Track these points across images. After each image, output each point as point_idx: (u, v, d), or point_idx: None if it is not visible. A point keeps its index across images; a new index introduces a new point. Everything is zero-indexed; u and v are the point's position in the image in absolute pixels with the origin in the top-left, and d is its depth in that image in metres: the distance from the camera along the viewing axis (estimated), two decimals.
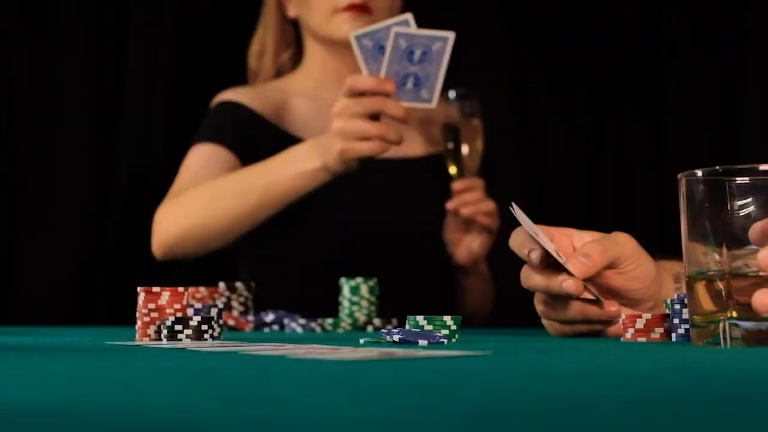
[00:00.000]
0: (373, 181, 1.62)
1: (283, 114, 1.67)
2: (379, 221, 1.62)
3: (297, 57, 1.74)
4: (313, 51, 1.70)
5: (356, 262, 1.53)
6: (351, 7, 1.60)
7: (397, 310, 1.33)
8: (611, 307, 0.96)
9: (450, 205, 1.59)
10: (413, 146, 1.70)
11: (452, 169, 1.62)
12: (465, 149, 1.61)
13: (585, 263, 0.93)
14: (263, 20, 1.74)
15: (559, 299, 0.96)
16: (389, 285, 1.46)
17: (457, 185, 1.60)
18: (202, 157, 1.60)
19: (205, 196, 1.50)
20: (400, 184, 1.66)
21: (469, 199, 1.59)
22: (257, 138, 1.62)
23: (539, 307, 0.99)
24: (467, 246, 1.60)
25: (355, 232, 1.60)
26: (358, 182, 1.55)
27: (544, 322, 1.02)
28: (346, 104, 1.37)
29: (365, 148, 1.37)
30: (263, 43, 1.75)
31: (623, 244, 0.97)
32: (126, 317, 1.15)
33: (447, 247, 1.61)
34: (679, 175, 0.79)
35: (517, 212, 0.93)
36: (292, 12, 1.70)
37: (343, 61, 1.67)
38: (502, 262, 1.64)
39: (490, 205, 1.59)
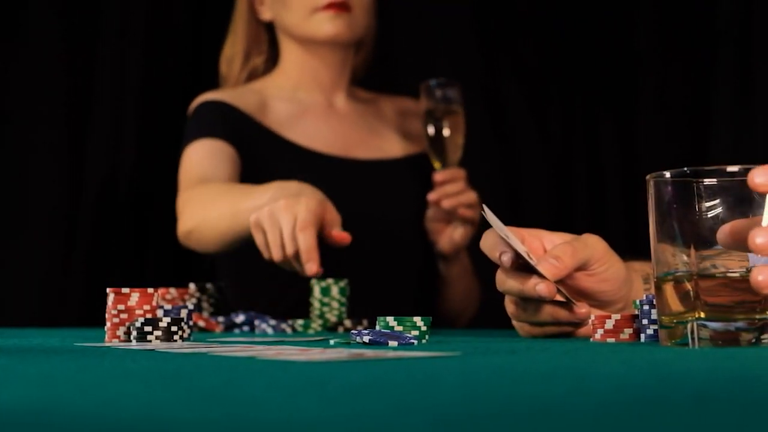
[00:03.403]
0: (351, 183, 1.61)
1: (264, 113, 1.65)
2: (358, 223, 1.60)
3: (270, 62, 1.72)
4: (289, 53, 1.68)
5: (335, 263, 1.51)
6: (331, 6, 1.59)
7: (376, 311, 1.32)
8: (581, 309, 0.96)
9: (431, 196, 1.59)
10: (391, 146, 1.69)
11: (437, 165, 1.60)
12: (447, 136, 1.60)
13: (556, 265, 0.94)
14: (234, 25, 1.72)
15: (531, 301, 0.96)
16: (369, 286, 1.44)
17: (438, 176, 1.59)
18: (207, 152, 1.56)
19: (199, 206, 1.47)
20: (378, 185, 1.65)
21: (450, 190, 1.58)
22: (244, 133, 1.60)
23: (510, 309, 1.00)
24: (449, 235, 1.60)
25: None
26: (335, 184, 1.54)
27: (514, 323, 1.02)
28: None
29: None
30: (234, 48, 1.73)
31: (594, 245, 0.97)
32: (98, 319, 1.14)
33: (429, 236, 1.61)
34: (647, 177, 0.79)
35: (488, 215, 0.93)
36: (266, 15, 1.68)
37: (321, 61, 1.66)
38: (476, 264, 1.65)
39: (471, 197, 1.58)
